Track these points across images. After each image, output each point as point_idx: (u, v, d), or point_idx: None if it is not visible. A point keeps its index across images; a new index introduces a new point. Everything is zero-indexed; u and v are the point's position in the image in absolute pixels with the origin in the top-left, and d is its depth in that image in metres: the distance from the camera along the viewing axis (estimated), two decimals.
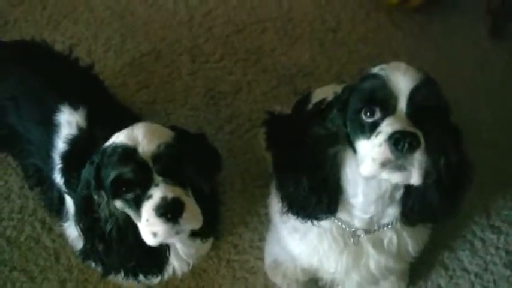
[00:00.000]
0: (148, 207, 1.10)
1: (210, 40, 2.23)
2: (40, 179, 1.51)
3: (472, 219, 1.82)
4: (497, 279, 1.71)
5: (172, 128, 1.22)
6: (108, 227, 1.20)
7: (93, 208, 1.20)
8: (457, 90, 2.02)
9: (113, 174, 1.11)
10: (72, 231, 1.42)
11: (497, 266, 1.73)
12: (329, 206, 1.21)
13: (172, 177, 1.12)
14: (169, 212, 1.10)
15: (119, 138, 1.15)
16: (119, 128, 1.18)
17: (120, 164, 1.11)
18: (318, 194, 1.20)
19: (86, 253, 1.27)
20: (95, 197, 1.19)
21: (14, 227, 1.77)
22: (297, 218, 1.25)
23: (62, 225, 1.50)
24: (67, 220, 1.45)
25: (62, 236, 1.72)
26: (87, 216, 1.21)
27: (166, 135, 1.17)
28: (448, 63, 2.20)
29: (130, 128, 1.17)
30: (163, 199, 1.09)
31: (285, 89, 2.11)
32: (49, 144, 1.37)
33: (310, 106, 1.49)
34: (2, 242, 1.74)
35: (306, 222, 1.25)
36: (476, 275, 1.71)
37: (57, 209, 1.48)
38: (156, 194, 1.10)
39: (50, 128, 1.37)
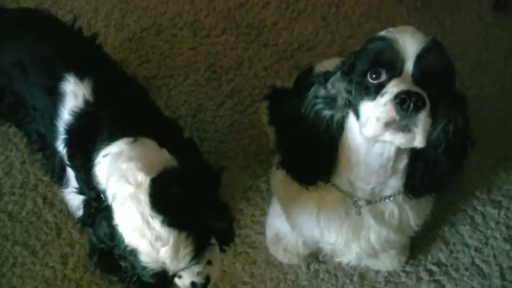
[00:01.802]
0: None
1: (211, 14, 2.20)
2: (43, 145, 1.51)
3: (472, 193, 1.81)
4: (497, 253, 1.71)
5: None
6: None
7: None
8: (461, 66, 1.99)
9: None
10: (72, 198, 1.42)
11: (497, 240, 1.74)
12: (323, 169, 1.22)
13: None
14: None
15: None
16: (126, 104, 1.15)
17: None
18: (311, 156, 1.20)
19: (85, 222, 1.28)
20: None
21: (15, 202, 1.77)
22: (296, 181, 1.25)
23: (62, 192, 1.50)
24: (67, 187, 1.46)
25: (63, 211, 1.73)
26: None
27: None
28: (451, 39, 2.17)
29: None
30: None
31: (287, 64, 2.08)
32: (53, 113, 1.36)
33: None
34: (4, 217, 1.75)
35: (304, 187, 1.25)
36: (476, 249, 1.72)
37: (59, 176, 1.49)
38: None
39: (55, 96, 1.35)
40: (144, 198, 1.09)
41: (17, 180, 1.81)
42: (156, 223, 1.07)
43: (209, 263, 1.21)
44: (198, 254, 1.13)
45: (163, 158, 1.19)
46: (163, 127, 1.39)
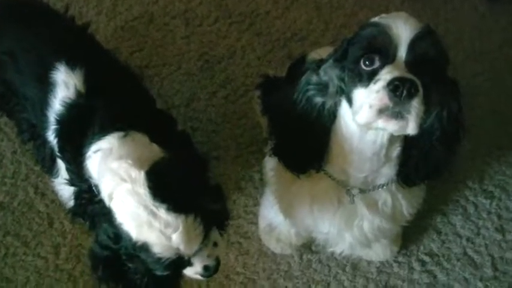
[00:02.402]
0: None
1: (204, 3, 2.18)
2: (33, 134, 1.50)
3: (465, 184, 1.82)
4: (488, 243, 1.72)
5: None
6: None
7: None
8: (455, 55, 2.00)
9: None
10: (62, 188, 1.42)
11: (489, 230, 1.74)
12: (314, 157, 1.22)
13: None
14: None
15: None
16: (118, 95, 1.14)
17: None
18: (302, 143, 1.20)
19: (76, 212, 1.27)
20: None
21: (6, 192, 1.76)
22: (287, 169, 1.25)
23: (53, 181, 1.49)
24: (57, 177, 1.45)
25: (55, 201, 1.72)
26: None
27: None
28: (445, 27, 2.17)
29: None
30: None
31: (280, 53, 2.07)
32: (44, 102, 1.34)
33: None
34: None
35: (295, 174, 1.25)
36: (468, 239, 1.73)
37: (49, 166, 1.47)
38: None
39: (46, 85, 1.33)
40: (144, 191, 1.08)
41: (8, 170, 1.80)
42: (162, 212, 1.06)
43: (215, 245, 1.22)
44: (206, 234, 1.13)
45: (154, 152, 1.18)
46: (156, 120, 1.37)
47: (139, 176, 1.10)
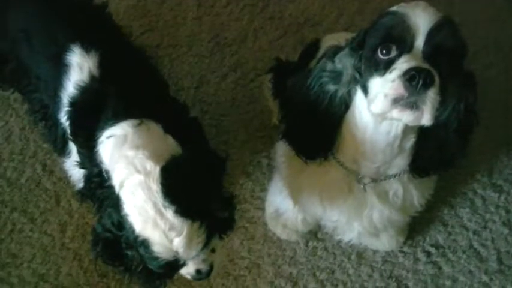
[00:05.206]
0: None
1: None
2: (45, 115, 1.49)
3: (473, 176, 1.81)
4: (495, 237, 1.72)
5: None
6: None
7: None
8: (469, 48, 1.97)
9: None
10: (73, 170, 1.41)
11: (496, 224, 1.74)
12: (322, 145, 1.21)
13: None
14: None
15: None
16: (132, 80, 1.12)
17: None
18: (312, 129, 1.20)
19: (85, 194, 1.27)
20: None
21: (14, 168, 1.76)
22: (296, 154, 1.25)
23: (64, 162, 1.49)
24: (69, 158, 1.44)
25: (62, 179, 1.72)
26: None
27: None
28: (460, 18, 2.10)
29: None
30: None
31: (292, 39, 2.05)
32: (57, 83, 1.33)
33: (319, 53, 1.45)
34: (3, 183, 1.74)
35: (303, 160, 1.25)
36: (474, 232, 1.73)
37: (61, 147, 1.47)
38: None
39: (60, 66, 1.32)
40: (156, 187, 1.07)
41: (16, 147, 1.79)
42: (170, 213, 1.06)
43: (213, 250, 1.22)
44: (207, 242, 1.13)
45: (169, 145, 1.17)
46: (169, 108, 1.35)
47: (155, 170, 1.09)
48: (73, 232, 1.67)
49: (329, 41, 1.48)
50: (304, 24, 2.09)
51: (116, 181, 1.13)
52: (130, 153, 1.12)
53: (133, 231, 1.09)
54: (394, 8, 1.07)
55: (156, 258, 1.09)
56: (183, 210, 1.07)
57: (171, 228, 1.06)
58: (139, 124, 1.19)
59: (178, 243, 1.07)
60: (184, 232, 1.06)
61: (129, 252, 1.15)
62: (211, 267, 1.22)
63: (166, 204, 1.06)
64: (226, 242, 1.63)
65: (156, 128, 1.20)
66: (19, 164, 1.77)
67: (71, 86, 1.30)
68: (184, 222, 1.06)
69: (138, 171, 1.09)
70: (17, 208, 1.70)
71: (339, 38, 1.40)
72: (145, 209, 1.07)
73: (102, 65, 1.30)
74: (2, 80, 1.64)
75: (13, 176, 1.75)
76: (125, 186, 1.11)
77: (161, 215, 1.06)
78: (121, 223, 1.11)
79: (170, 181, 1.09)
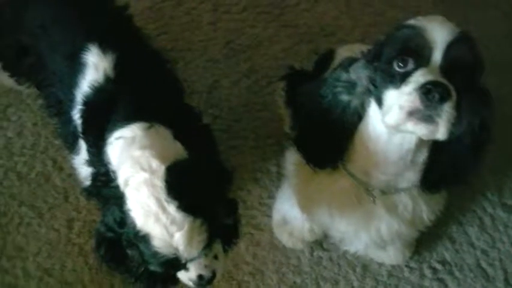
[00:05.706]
0: None
1: None
2: (60, 110, 1.49)
3: (484, 195, 1.80)
4: (503, 257, 1.70)
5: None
6: None
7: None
8: None
9: None
10: (81, 167, 1.42)
11: (504, 244, 1.72)
12: (332, 154, 1.21)
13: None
14: None
15: None
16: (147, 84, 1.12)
17: None
18: (323, 138, 1.20)
19: (91, 192, 1.28)
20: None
21: (24, 163, 1.77)
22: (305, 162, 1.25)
23: (73, 158, 1.49)
24: (78, 155, 1.45)
25: (72, 176, 1.73)
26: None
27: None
28: (474, 34, 2.12)
29: None
30: None
31: (306, 48, 2.06)
32: (73, 81, 1.33)
33: (334, 64, 1.46)
34: (12, 177, 1.75)
35: (312, 168, 1.25)
36: (482, 251, 1.71)
37: (71, 143, 1.47)
38: None
39: (76, 65, 1.33)
40: (160, 184, 1.07)
41: (27, 141, 1.81)
42: (172, 208, 1.06)
43: (216, 257, 1.21)
44: (209, 244, 1.12)
45: (176, 150, 1.17)
46: (182, 115, 1.35)
47: (160, 168, 1.09)
48: (80, 228, 1.67)
49: (344, 52, 1.49)
50: (318, 34, 2.09)
51: (121, 180, 1.13)
52: (137, 153, 1.13)
53: (134, 226, 1.08)
54: (411, 21, 1.07)
55: (156, 255, 1.08)
56: (185, 206, 1.06)
57: (173, 222, 1.05)
58: (149, 128, 1.19)
59: (179, 238, 1.06)
60: (186, 227, 1.06)
61: (129, 252, 1.15)
62: (214, 274, 1.20)
63: (169, 199, 1.06)
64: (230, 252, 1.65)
65: (165, 133, 1.20)
66: (30, 159, 1.78)
67: (85, 85, 1.31)
68: (186, 217, 1.06)
69: (144, 170, 1.10)
70: (26, 202, 1.71)
71: (354, 49, 1.41)
72: (147, 204, 1.07)
73: (118, 66, 1.30)
74: (21, 73, 1.65)
75: (23, 171, 1.76)
76: (129, 183, 1.11)
77: (163, 209, 1.06)
78: (123, 219, 1.11)
79: (175, 179, 1.09)
